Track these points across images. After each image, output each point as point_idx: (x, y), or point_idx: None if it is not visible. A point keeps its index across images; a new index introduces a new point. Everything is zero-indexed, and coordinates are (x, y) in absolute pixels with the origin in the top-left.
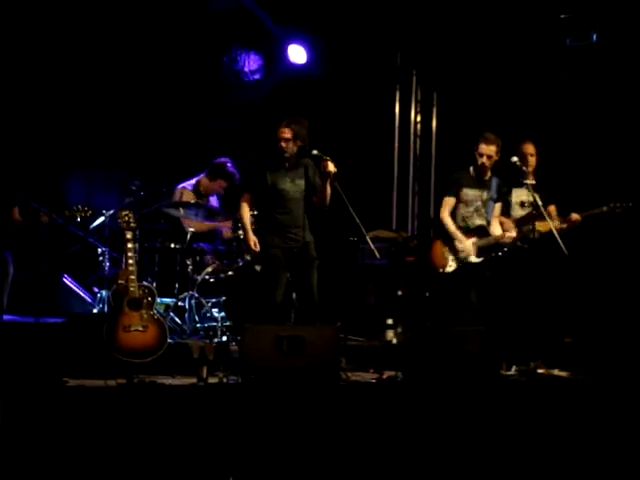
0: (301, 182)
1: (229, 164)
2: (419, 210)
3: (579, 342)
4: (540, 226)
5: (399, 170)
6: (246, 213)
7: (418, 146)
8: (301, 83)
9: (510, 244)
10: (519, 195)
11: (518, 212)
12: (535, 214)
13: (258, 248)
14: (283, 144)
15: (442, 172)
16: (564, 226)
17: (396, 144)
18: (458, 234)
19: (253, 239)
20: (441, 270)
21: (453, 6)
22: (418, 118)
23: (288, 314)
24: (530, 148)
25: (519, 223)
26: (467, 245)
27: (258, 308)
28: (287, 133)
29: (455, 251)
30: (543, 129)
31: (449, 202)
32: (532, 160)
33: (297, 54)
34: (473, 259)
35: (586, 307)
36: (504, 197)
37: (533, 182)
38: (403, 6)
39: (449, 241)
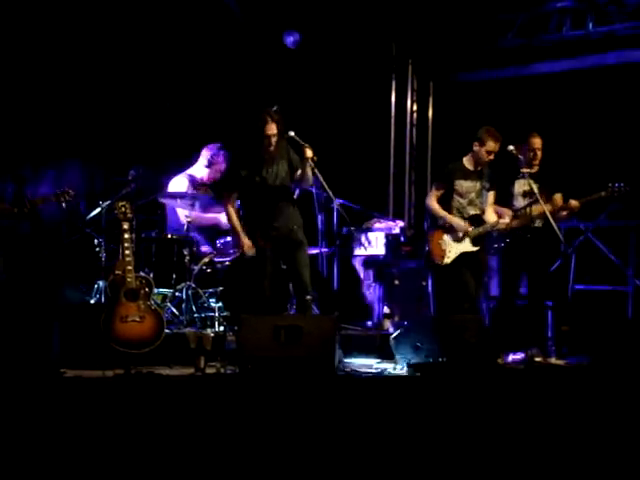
0: (280, 168)
1: (221, 150)
2: (416, 199)
3: (576, 331)
4: (540, 213)
5: (395, 159)
6: (233, 215)
7: (414, 135)
8: (297, 73)
9: (504, 230)
10: (521, 186)
11: (521, 203)
12: (532, 202)
13: (253, 251)
14: (271, 140)
15: (438, 161)
16: (564, 213)
17: (392, 133)
18: (449, 216)
19: (247, 243)
20: (439, 262)
21: None
22: (414, 107)
23: (284, 305)
24: (538, 142)
25: (520, 212)
26: (463, 225)
27: (250, 300)
28: (274, 129)
29: (451, 239)
30: (540, 118)
31: (436, 193)
32: (539, 154)
33: (291, 39)
34: (469, 247)
35: (584, 296)
36: (497, 185)
37: (530, 171)
38: None
39: (446, 230)
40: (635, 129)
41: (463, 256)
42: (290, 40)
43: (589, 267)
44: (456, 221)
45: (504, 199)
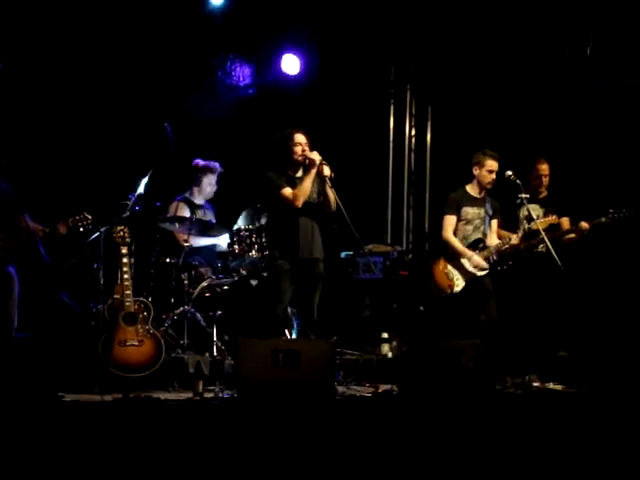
0: (312, 189)
1: (200, 161)
2: (414, 224)
3: (574, 356)
4: (546, 239)
5: (394, 184)
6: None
7: (413, 160)
8: (295, 97)
9: (509, 250)
10: (526, 210)
11: (526, 227)
12: (532, 229)
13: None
14: (302, 149)
15: (437, 186)
16: (572, 236)
17: (391, 158)
18: (467, 251)
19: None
20: (448, 291)
21: (446, 21)
22: (413, 132)
23: (283, 329)
24: (545, 168)
25: (525, 237)
26: (477, 259)
27: (259, 320)
28: (304, 138)
29: (461, 268)
30: (538, 141)
31: (451, 221)
32: (546, 180)
33: (290, 64)
34: (477, 273)
35: (581, 321)
36: (501, 212)
37: (527, 196)
38: (397, 21)
39: (452, 259)
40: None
41: (470, 282)
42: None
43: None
44: (475, 259)
45: (510, 224)
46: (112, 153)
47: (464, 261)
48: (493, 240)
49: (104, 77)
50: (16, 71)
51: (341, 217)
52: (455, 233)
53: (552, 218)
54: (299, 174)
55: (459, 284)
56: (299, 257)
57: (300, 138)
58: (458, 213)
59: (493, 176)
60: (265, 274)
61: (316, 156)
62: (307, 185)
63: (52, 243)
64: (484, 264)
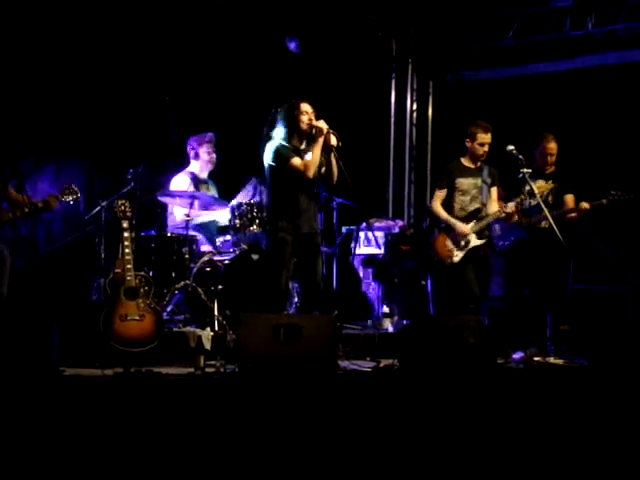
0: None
1: (192, 137)
2: (415, 199)
3: (575, 330)
4: (548, 215)
5: (395, 159)
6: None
7: (414, 135)
8: (296, 72)
9: (507, 218)
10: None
11: (528, 202)
12: (533, 205)
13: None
14: (309, 118)
15: (438, 160)
16: (574, 215)
17: (392, 133)
18: (452, 219)
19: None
20: (448, 262)
21: None
22: (414, 107)
23: (285, 303)
24: (553, 147)
25: (527, 213)
26: (465, 227)
27: (261, 292)
28: (310, 108)
29: (457, 239)
30: (539, 117)
31: (439, 194)
32: (552, 159)
33: (292, 45)
34: (475, 241)
35: (582, 295)
36: (504, 185)
37: (529, 171)
38: None
39: (449, 231)
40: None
41: (470, 253)
42: (292, 45)
43: (589, 267)
44: (458, 225)
45: (498, 192)
46: (113, 127)
47: (456, 230)
48: (493, 208)
49: (100, 51)
50: (12, 45)
51: (344, 187)
52: (452, 204)
53: (547, 184)
54: (303, 146)
55: (458, 254)
56: (300, 232)
57: (306, 107)
58: (452, 185)
59: (485, 149)
60: (267, 246)
61: (323, 124)
62: (317, 155)
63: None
64: (467, 230)
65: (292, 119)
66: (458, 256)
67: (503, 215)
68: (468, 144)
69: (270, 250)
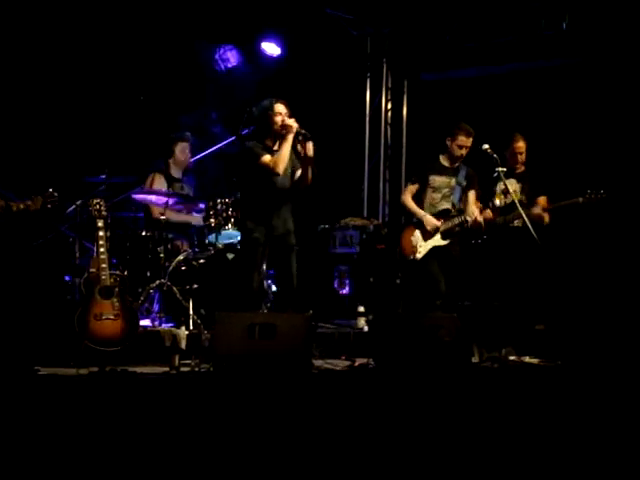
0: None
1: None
2: (390, 197)
3: (550, 329)
4: (523, 213)
5: (370, 158)
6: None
7: (389, 133)
8: (271, 70)
9: (474, 225)
10: (502, 184)
11: (500, 201)
12: (507, 203)
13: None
14: (281, 118)
15: (413, 159)
16: (537, 212)
17: (367, 132)
18: (421, 212)
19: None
20: (411, 257)
21: None
22: (389, 105)
23: (260, 303)
24: (521, 146)
25: (501, 211)
26: (434, 221)
27: (234, 293)
28: (283, 108)
29: (423, 235)
30: (514, 117)
31: (411, 188)
32: (523, 157)
33: (271, 48)
34: (439, 241)
35: (558, 294)
36: (476, 185)
37: (503, 170)
38: None
39: (417, 226)
40: (620, 127)
41: (434, 251)
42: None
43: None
44: (427, 218)
45: (486, 197)
46: (89, 127)
47: (424, 221)
48: (473, 211)
49: (81, 52)
50: None
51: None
52: (423, 200)
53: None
54: (276, 147)
55: (421, 251)
56: (273, 233)
57: (280, 108)
58: (425, 180)
59: (463, 152)
60: (239, 246)
61: (293, 123)
62: (285, 151)
63: (21, 218)
64: (436, 223)
65: (265, 119)
66: (421, 253)
67: (468, 224)
68: (448, 142)
69: (242, 251)
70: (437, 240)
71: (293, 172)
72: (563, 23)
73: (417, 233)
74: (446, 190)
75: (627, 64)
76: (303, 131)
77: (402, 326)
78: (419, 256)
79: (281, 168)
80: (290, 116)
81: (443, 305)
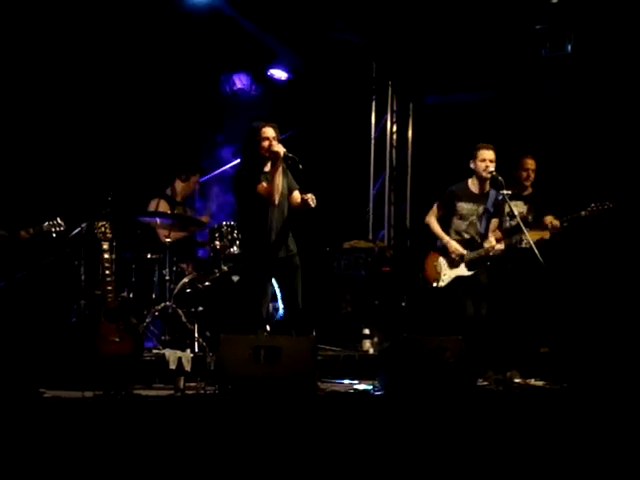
0: (284, 185)
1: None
2: (395, 220)
3: (555, 352)
4: (528, 236)
5: (375, 180)
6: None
7: (394, 156)
8: (277, 93)
9: (499, 255)
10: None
11: (509, 223)
12: (513, 225)
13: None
14: (268, 143)
15: (418, 182)
16: (546, 235)
17: (372, 154)
18: (446, 237)
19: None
20: (434, 284)
21: (428, 16)
22: (394, 128)
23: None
24: (531, 163)
25: (508, 233)
26: (460, 248)
27: (241, 319)
28: (272, 132)
29: (447, 262)
30: (520, 139)
31: (436, 212)
32: (532, 175)
33: (278, 73)
34: (463, 271)
35: (563, 317)
36: (502, 211)
37: (509, 192)
38: (378, 17)
39: (442, 252)
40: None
41: (458, 280)
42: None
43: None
44: (452, 244)
45: (498, 222)
46: (95, 148)
47: (447, 246)
48: (491, 240)
49: (87, 71)
50: None
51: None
52: (449, 226)
53: (543, 233)
54: (267, 168)
55: (444, 279)
56: (276, 257)
57: (268, 132)
58: (452, 207)
59: (488, 164)
60: (243, 274)
61: (280, 148)
62: (277, 180)
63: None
64: (461, 250)
65: (253, 144)
66: (444, 281)
67: (498, 252)
68: (472, 165)
69: (246, 279)
70: (462, 270)
71: (290, 193)
72: (568, 45)
73: (441, 260)
74: (473, 217)
75: (631, 84)
76: (290, 155)
77: (407, 349)
78: (442, 284)
79: (276, 198)
80: (279, 140)
81: (468, 331)
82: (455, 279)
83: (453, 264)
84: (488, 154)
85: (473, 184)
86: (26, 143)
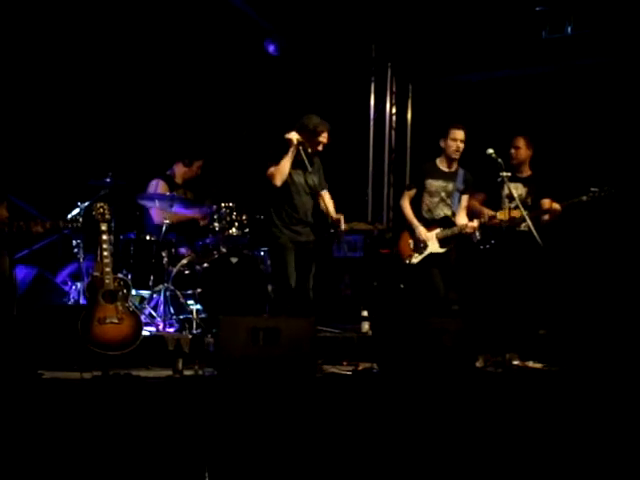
0: (313, 179)
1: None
2: (394, 202)
3: (553, 334)
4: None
5: (374, 162)
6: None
7: (393, 138)
8: (276, 74)
9: (471, 233)
10: (509, 189)
11: (508, 205)
12: (512, 207)
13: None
14: (321, 148)
15: (417, 164)
16: (547, 217)
17: (371, 136)
18: (415, 221)
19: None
20: (407, 261)
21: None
22: (393, 110)
23: (263, 306)
24: (518, 141)
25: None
26: (425, 234)
27: (277, 288)
28: (328, 139)
29: (416, 243)
30: (519, 121)
31: (408, 193)
32: (517, 153)
33: (271, 48)
34: (435, 248)
35: (560, 299)
36: (485, 189)
37: (507, 174)
38: None
39: (412, 233)
40: (626, 128)
41: (431, 257)
42: (272, 48)
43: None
44: (419, 230)
45: (493, 203)
46: (92, 130)
47: (416, 232)
48: (461, 218)
49: (84, 55)
50: None
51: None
52: (420, 205)
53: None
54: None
55: (417, 256)
56: (298, 240)
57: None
58: (422, 185)
59: (458, 144)
60: (269, 253)
61: (293, 136)
62: (283, 164)
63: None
64: (426, 236)
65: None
66: (417, 258)
67: (466, 231)
68: (442, 143)
69: (273, 257)
70: (435, 247)
71: (313, 193)
72: (568, 27)
73: (411, 240)
74: (443, 194)
75: (632, 66)
76: (302, 140)
77: (406, 330)
78: (415, 261)
79: (278, 180)
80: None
81: (442, 310)
82: (428, 256)
83: (420, 248)
84: (459, 134)
85: (442, 162)
86: (25, 123)
